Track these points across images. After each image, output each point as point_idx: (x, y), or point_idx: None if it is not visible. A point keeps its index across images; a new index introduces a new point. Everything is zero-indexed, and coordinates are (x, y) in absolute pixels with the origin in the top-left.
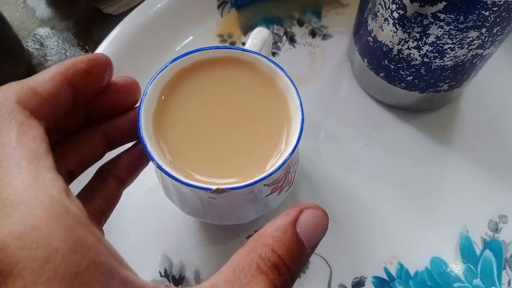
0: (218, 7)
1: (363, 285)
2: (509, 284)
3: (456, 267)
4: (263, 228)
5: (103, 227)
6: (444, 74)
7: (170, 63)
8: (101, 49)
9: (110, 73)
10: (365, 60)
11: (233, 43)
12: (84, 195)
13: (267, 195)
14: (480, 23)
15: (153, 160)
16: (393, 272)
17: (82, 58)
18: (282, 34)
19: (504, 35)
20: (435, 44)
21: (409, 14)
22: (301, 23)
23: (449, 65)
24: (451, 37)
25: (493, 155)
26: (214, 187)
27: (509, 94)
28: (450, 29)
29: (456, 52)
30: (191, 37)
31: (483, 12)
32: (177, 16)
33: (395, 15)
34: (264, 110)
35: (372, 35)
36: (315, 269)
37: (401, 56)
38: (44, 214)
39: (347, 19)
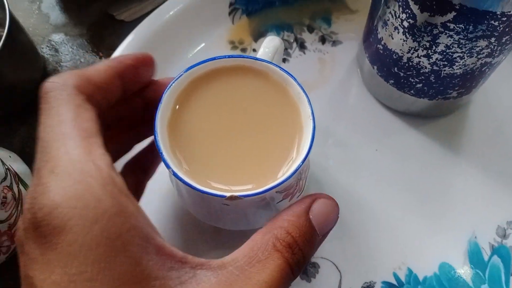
0: (230, 14)
1: None
2: None
3: (465, 273)
4: (279, 213)
5: None
6: (453, 81)
7: (184, 72)
8: (115, 55)
9: (153, 71)
10: (375, 67)
11: (244, 50)
12: (133, 157)
13: (279, 201)
14: (489, 33)
15: (168, 168)
16: (402, 278)
17: (131, 56)
18: (292, 41)
19: None
20: (444, 53)
21: (419, 24)
22: (311, 30)
23: (458, 73)
24: (460, 46)
25: (502, 161)
26: (227, 194)
27: None
28: (459, 38)
29: (465, 61)
30: (203, 44)
31: (492, 22)
32: (189, 23)
33: (405, 24)
34: (276, 118)
35: (382, 43)
36: (325, 274)
37: (410, 64)
38: (94, 182)
39: (357, 25)
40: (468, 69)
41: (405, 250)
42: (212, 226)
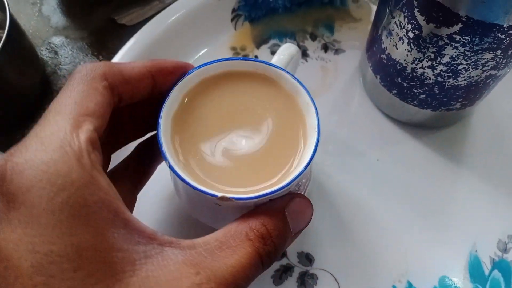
0: (232, 20)
1: None
2: None
3: (465, 287)
4: (257, 207)
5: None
6: (457, 93)
7: (196, 69)
8: (116, 59)
9: None
10: (378, 76)
11: (245, 56)
12: (123, 168)
13: None
14: (495, 45)
15: (166, 159)
16: None
17: (171, 61)
18: None
19: None
20: (449, 64)
21: (424, 34)
22: (313, 37)
23: (463, 85)
24: (465, 58)
25: (504, 173)
26: (219, 194)
27: None
28: (465, 50)
29: (470, 73)
30: (205, 50)
31: (498, 35)
32: (191, 29)
33: (410, 34)
34: (282, 126)
35: (386, 52)
36: (323, 285)
37: (414, 74)
38: (71, 152)
39: (360, 34)
40: (473, 81)
41: (405, 263)
42: (212, 227)
